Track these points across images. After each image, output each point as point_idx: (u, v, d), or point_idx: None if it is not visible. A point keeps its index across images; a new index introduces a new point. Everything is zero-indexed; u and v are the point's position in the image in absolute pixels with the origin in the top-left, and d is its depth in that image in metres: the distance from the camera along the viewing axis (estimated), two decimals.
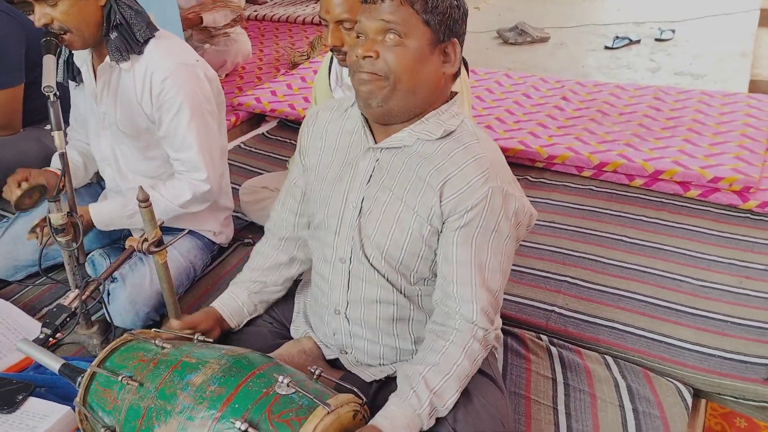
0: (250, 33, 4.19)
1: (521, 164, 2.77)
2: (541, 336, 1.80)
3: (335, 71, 2.11)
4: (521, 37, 4.69)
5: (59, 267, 1.94)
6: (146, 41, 1.71)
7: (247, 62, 4.00)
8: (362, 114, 1.28)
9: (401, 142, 1.25)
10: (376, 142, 1.28)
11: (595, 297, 1.95)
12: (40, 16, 1.60)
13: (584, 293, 1.97)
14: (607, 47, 4.49)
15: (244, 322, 1.50)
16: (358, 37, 1.21)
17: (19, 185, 1.74)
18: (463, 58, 1.94)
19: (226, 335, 1.48)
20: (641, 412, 1.54)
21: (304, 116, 2.93)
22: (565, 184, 2.66)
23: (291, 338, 1.48)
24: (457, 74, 1.25)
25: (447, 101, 1.27)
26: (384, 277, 1.29)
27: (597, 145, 2.77)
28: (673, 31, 4.64)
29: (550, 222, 2.35)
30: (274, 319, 1.53)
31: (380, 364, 1.38)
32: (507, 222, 1.22)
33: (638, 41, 4.54)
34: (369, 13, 1.18)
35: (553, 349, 1.74)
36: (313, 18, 4.91)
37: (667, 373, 1.68)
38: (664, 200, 2.50)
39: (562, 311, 1.89)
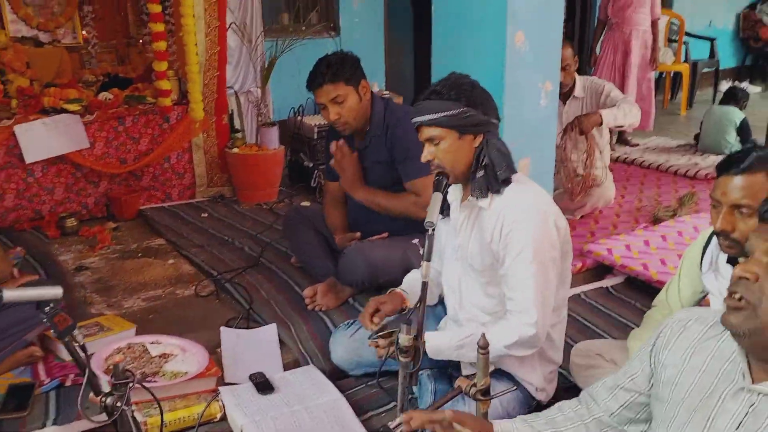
0: (615, 176, 4.09)
1: None
2: None
3: (711, 253, 1.92)
4: None
5: (391, 374, 2.09)
6: (505, 182, 1.80)
7: (605, 207, 3.92)
8: None
9: None
10: (753, 382, 1.08)
11: None
12: (426, 154, 1.80)
13: None
14: None
15: None
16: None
17: (371, 319, 1.92)
18: None
19: None
20: None
21: (657, 280, 2.77)
22: None
23: None
24: None
25: None
26: None
27: None
28: None
29: None
30: None
31: None
32: None
33: None
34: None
35: None
36: (686, 171, 4.63)
37: None
38: None
39: None
